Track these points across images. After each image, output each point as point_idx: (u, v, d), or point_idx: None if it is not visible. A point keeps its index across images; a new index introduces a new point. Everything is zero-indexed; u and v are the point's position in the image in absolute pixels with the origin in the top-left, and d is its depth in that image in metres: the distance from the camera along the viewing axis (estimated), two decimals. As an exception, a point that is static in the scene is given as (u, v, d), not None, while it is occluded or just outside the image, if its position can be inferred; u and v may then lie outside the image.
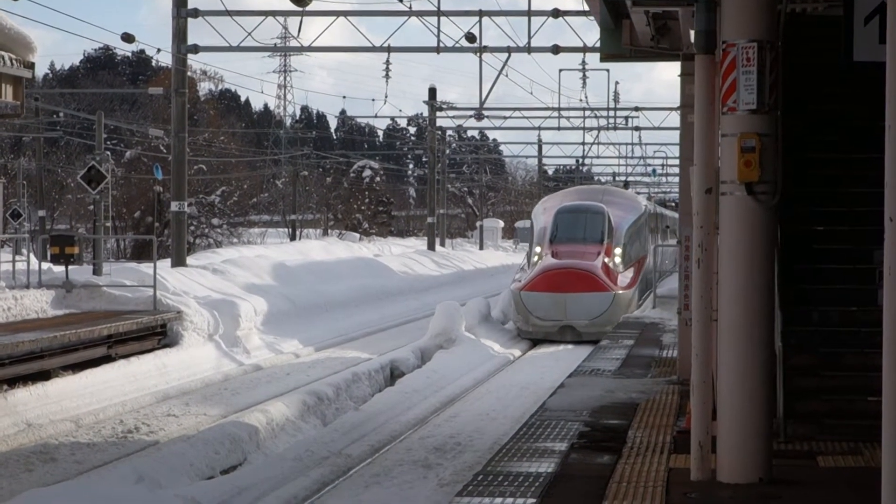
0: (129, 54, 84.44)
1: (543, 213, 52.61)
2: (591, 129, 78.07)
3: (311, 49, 51.68)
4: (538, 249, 48.26)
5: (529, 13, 43.55)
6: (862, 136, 15.03)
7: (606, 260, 46.95)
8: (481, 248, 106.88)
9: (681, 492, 12.18)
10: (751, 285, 12.84)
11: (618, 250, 48.25)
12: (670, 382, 19.78)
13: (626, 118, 76.85)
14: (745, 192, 12.69)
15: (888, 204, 7.31)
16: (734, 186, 12.72)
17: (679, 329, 20.99)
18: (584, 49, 47.68)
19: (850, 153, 16.78)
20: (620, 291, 46.44)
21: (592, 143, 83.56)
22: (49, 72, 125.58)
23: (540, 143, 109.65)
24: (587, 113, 73.50)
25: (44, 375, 27.17)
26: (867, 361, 14.07)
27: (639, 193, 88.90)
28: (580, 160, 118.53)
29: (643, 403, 17.78)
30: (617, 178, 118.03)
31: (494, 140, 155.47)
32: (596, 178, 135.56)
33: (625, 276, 48.02)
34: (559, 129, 73.87)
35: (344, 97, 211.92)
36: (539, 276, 46.08)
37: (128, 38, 47.40)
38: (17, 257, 45.56)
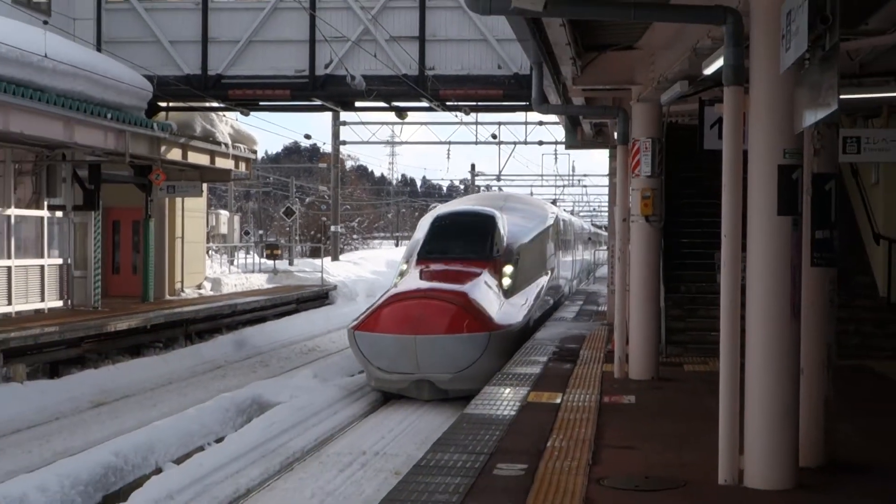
0: (308, 145, 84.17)
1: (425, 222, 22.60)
2: (560, 186, 76.93)
3: (406, 143, 51.59)
4: (404, 267, 20.56)
5: (526, 122, 43.54)
6: (708, 191, 14.95)
7: (490, 282, 19.04)
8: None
9: (609, 384, 12.13)
10: (647, 271, 12.83)
11: (508, 268, 20.22)
12: (603, 324, 19.66)
13: (579, 180, 76.53)
14: (644, 220, 12.67)
15: (723, 226, 7.35)
16: (638, 217, 12.70)
17: (608, 295, 20.86)
18: (556, 142, 47.30)
19: (701, 199, 16.72)
20: (501, 330, 17.32)
21: (560, 195, 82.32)
22: (264, 154, 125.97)
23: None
24: (557, 178, 72.76)
25: (262, 320, 27.27)
26: (710, 314, 13.96)
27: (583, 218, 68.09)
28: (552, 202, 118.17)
29: (588, 335, 17.70)
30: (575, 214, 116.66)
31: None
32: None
33: (513, 305, 19.28)
34: (542, 186, 72.83)
35: (425, 168, 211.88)
36: (381, 310, 17.80)
37: (307, 136, 48.24)
38: (247, 256, 45.90)
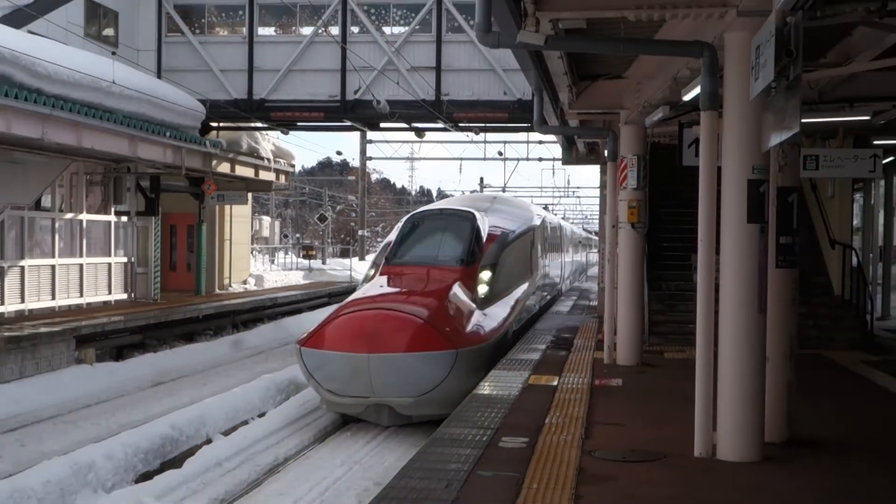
0: (339, 160, 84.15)
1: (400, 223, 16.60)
2: (556, 196, 76.87)
3: (424, 158, 51.63)
4: (371, 273, 15.15)
5: (528, 141, 43.48)
6: (686, 201, 14.93)
7: (463, 290, 13.75)
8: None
9: (599, 369, 12.09)
10: (633, 272, 12.79)
11: (486, 274, 14.67)
12: (594, 317, 19.59)
13: (573, 192, 76.74)
14: (630, 227, 12.64)
15: (699, 232, 7.33)
16: (625, 224, 12.66)
17: (598, 292, 20.80)
18: (553, 159, 47.43)
19: (679, 209, 16.68)
20: (472, 347, 12.39)
21: (556, 204, 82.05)
22: (301, 168, 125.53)
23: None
24: (554, 190, 72.64)
25: (298, 311, 27.25)
26: (687, 309, 13.95)
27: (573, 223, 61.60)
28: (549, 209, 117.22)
29: (581, 326, 17.64)
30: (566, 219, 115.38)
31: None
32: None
33: (489, 316, 13.86)
34: (541, 196, 72.76)
35: (440, 180, 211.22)
36: (330, 323, 12.46)
37: (339, 153, 48.42)
38: (286, 256, 45.96)
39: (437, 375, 11.79)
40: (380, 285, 14.13)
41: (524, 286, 17.31)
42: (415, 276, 14.22)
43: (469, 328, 13.00)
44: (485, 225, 15.65)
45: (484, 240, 15.23)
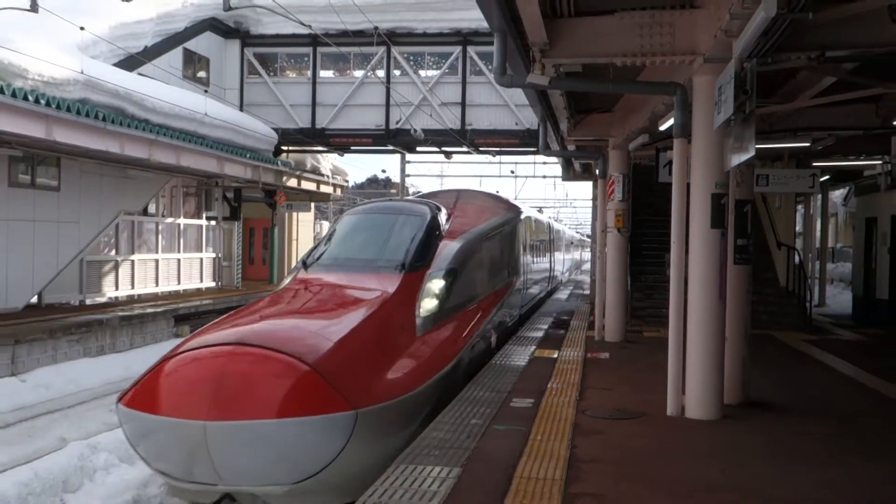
0: (384, 177, 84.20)
1: None
2: (557, 206, 76.28)
3: (452, 175, 51.53)
4: (287, 281, 7.80)
5: (534, 162, 43.40)
6: (661, 211, 14.85)
7: (394, 309, 6.73)
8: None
9: (591, 344, 12.04)
10: (619, 267, 12.73)
11: (437, 284, 7.48)
12: (587, 302, 19.54)
13: (570, 203, 76.16)
14: (617, 231, 12.58)
15: (672, 235, 7.30)
16: (613, 229, 12.60)
17: (591, 283, 20.72)
18: (555, 176, 47.13)
19: (656, 217, 16.60)
20: (385, 403, 5.50)
21: (558, 212, 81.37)
22: (353, 183, 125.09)
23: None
24: (555, 201, 72.16)
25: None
26: (662, 297, 13.87)
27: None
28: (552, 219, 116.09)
29: (577, 310, 17.57)
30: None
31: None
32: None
33: (430, 344, 6.80)
34: (545, 206, 72.33)
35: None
36: (160, 370, 4.89)
37: (383, 171, 48.05)
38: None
39: (325, 450, 5.87)
40: (273, 301, 7.97)
41: (500, 294, 11.66)
42: (331, 287, 8.24)
43: (388, 371, 6.81)
44: (443, 222, 10.06)
45: (440, 240, 9.50)
